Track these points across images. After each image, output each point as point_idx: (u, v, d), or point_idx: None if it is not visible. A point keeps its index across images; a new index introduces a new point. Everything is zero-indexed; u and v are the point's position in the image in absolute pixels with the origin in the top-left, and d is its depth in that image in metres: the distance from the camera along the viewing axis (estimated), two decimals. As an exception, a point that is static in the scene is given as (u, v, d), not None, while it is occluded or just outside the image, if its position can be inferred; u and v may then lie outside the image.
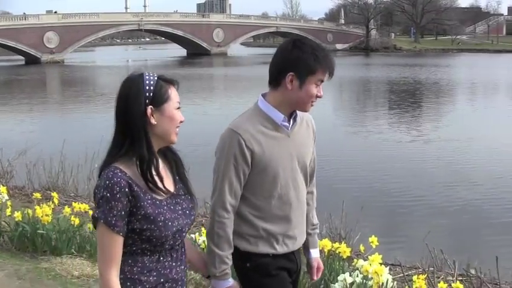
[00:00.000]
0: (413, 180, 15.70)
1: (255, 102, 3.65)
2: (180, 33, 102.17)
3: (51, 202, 8.05)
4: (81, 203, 8.07)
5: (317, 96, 3.50)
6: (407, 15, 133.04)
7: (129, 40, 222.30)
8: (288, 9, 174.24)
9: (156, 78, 2.92)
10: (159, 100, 2.89)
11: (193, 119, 26.72)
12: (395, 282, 5.59)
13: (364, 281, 5.04)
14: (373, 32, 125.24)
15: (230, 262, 3.52)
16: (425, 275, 5.87)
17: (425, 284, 5.25)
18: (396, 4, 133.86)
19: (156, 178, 2.88)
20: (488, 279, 7.47)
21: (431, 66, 70.06)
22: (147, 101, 2.86)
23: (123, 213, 2.77)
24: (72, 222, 7.54)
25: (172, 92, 2.96)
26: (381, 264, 5.17)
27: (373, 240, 5.43)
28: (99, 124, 25.08)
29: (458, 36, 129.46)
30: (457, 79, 52.97)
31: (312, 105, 3.55)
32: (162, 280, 2.92)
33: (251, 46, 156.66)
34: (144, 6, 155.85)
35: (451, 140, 21.41)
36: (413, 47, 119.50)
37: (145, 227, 2.81)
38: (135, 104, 2.85)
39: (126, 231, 2.80)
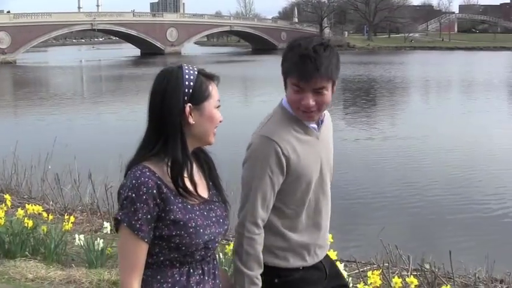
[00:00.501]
0: (369, 178, 15.77)
1: (277, 104, 3.36)
2: (133, 32, 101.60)
3: (3, 204, 7.88)
4: (35, 205, 7.83)
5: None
6: (361, 14, 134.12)
7: (83, 40, 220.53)
8: (242, 8, 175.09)
9: (196, 72, 2.66)
10: (199, 97, 2.62)
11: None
12: (350, 279, 5.63)
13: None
14: (327, 31, 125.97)
15: (260, 283, 3.17)
16: (380, 271, 5.87)
17: (379, 279, 5.24)
18: (349, 2, 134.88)
19: (189, 183, 2.58)
20: (442, 273, 7.57)
21: (385, 63, 70.69)
22: (186, 97, 2.58)
23: (149, 217, 2.47)
24: (26, 225, 7.35)
25: (213, 89, 2.70)
26: (336, 260, 5.14)
27: (328, 237, 5.39)
28: (53, 125, 24.88)
29: (410, 34, 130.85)
30: (411, 76, 53.57)
31: None
32: None
33: (205, 45, 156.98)
34: (97, 5, 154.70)
35: (406, 138, 21.57)
36: (367, 45, 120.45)
37: (174, 233, 2.50)
38: (173, 100, 2.57)
39: (153, 237, 2.50)
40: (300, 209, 3.26)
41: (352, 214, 12.45)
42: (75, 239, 7.08)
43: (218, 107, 2.70)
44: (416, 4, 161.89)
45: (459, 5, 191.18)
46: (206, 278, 2.67)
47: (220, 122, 2.72)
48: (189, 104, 2.58)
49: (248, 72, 59.64)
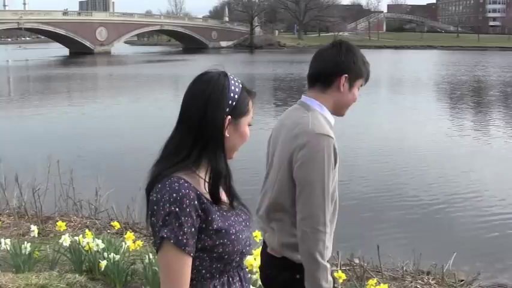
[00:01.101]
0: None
1: (298, 105, 3.53)
2: (61, 31, 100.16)
3: None
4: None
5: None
6: (291, 13, 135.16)
7: (9, 39, 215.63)
8: (172, 7, 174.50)
9: (241, 85, 2.52)
10: (240, 111, 2.49)
11: (76, 121, 26.27)
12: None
13: (249, 275, 5.01)
14: (257, 29, 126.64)
15: None
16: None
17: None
18: (280, 1, 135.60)
19: (222, 192, 2.50)
20: (371, 267, 7.72)
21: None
22: (228, 109, 2.44)
23: (193, 230, 2.34)
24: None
25: (252, 106, 2.56)
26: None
27: (257, 234, 5.40)
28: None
29: (340, 33, 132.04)
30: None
31: None
32: None
33: (135, 45, 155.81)
34: (24, 4, 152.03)
35: (338, 136, 21.72)
36: (297, 44, 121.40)
37: (217, 242, 2.40)
38: (218, 108, 2.43)
39: (195, 251, 2.39)
40: (332, 206, 3.35)
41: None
42: (0, 243, 6.92)
43: (250, 124, 2.59)
44: (345, 3, 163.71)
45: (387, 5, 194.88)
46: (244, 283, 2.60)
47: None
48: (229, 117, 2.45)
49: (179, 71, 59.29)
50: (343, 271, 7.02)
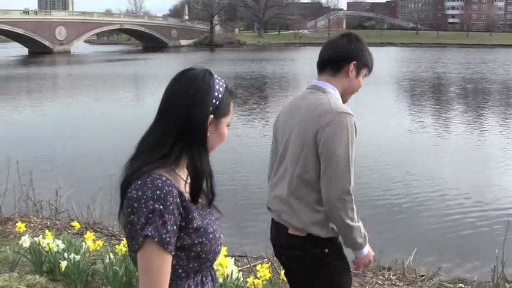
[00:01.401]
0: (261, 174, 15.82)
1: (312, 88, 3.82)
2: (20, 31, 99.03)
3: None
4: None
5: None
6: (251, 11, 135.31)
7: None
8: (132, 6, 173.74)
9: (225, 86, 2.51)
10: (222, 111, 2.47)
11: (36, 122, 26.02)
12: (241, 273, 5.64)
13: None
14: (217, 28, 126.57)
15: None
16: (270, 264, 5.95)
17: (269, 272, 5.32)
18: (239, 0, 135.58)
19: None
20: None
21: (277, 60, 71.46)
22: (211, 108, 2.42)
23: (175, 228, 2.29)
24: None
25: (232, 107, 2.56)
26: (226, 256, 5.19)
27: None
28: None
29: (300, 31, 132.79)
30: (303, 72, 54.20)
31: None
32: None
33: (95, 44, 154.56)
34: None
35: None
36: (257, 42, 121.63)
37: (196, 241, 2.37)
38: (203, 107, 2.40)
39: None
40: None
41: (243, 211, 12.51)
42: None
43: (229, 126, 2.57)
44: (305, 1, 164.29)
45: (347, 2, 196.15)
46: (215, 284, 2.59)
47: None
48: (211, 116, 2.42)
49: (139, 71, 59.09)
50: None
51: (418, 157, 17.90)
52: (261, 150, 18.69)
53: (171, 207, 2.27)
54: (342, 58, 3.73)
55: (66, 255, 6.53)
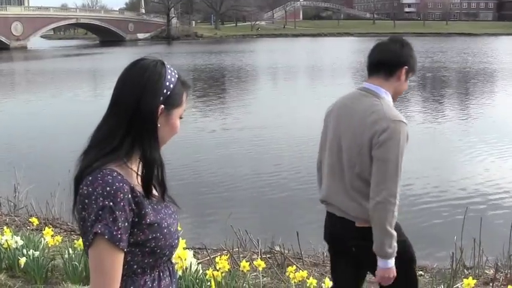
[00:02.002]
0: (220, 167, 15.81)
1: (365, 91, 3.99)
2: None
3: None
4: None
5: None
6: (207, 3, 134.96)
7: None
8: (88, 0, 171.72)
9: (177, 76, 2.44)
10: (173, 102, 2.41)
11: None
12: (200, 265, 5.66)
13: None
14: (174, 21, 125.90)
15: None
16: (228, 255, 5.96)
17: (228, 263, 5.39)
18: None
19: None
20: (292, 255, 7.84)
21: (236, 52, 71.46)
22: (162, 98, 2.36)
23: (126, 224, 2.24)
24: None
25: (185, 98, 2.50)
26: (185, 248, 5.19)
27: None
28: None
29: (257, 22, 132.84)
30: (262, 64, 54.33)
31: None
32: None
33: (52, 39, 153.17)
34: None
35: (258, 126, 21.72)
36: (214, 34, 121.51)
37: (150, 236, 2.32)
38: (154, 97, 2.34)
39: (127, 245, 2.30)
40: None
41: (203, 203, 12.51)
42: None
43: (181, 117, 2.50)
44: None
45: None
46: (173, 279, 2.55)
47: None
48: (162, 106, 2.35)
49: (97, 65, 58.59)
50: (265, 259, 7.13)
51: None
52: (222, 142, 18.77)
53: (121, 204, 2.23)
54: (395, 63, 3.95)
55: (25, 251, 6.50)
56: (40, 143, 18.92)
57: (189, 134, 19.58)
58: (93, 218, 2.21)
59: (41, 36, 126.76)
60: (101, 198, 2.21)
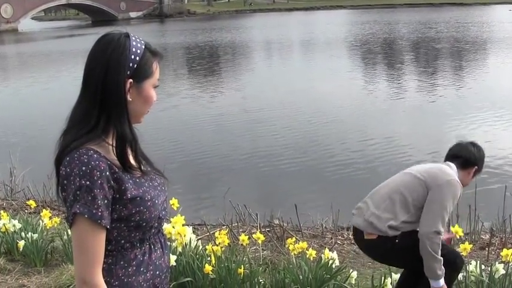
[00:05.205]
0: (216, 143, 15.76)
1: (446, 164, 4.99)
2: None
3: None
4: None
5: None
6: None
7: None
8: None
9: (143, 46, 2.39)
10: (141, 74, 2.37)
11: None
12: (199, 241, 5.69)
13: (169, 243, 5.04)
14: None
15: None
16: (228, 230, 5.96)
17: (227, 238, 5.39)
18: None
19: (131, 158, 2.40)
20: (291, 227, 7.92)
21: (231, 28, 71.03)
22: (129, 72, 2.33)
23: (106, 201, 2.25)
24: None
25: (156, 67, 2.44)
26: (183, 225, 5.20)
27: (174, 202, 5.45)
28: None
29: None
30: (257, 40, 54.10)
31: None
32: (158, 273, 2.50)
33: (43, 20, 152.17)
34: None
35: (253, 102, 21.75)
36: (207, 11, 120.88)
37: (133, 211, 2.32)
38: (118, 71, 2.30)
39: (110, 222, 2.30)
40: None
41: (201, 179, 12.53)
42: None
43: (156, 86, 2.47)
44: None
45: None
46: (165, 251, 2.57)
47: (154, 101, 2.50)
48: (130, 80, 2.33)
49: (90, 46, 58.33)
50: (264, 232, 7.14)
51: (373, 118, 18.11)
52: (221, 122, 18.71)
53: (99, 182, 2.23)
54: (470, 162, 5.00)
55: (23, 234, 6.49)
56: (35, 126, 18.86)
57: (186, 111, 19.61)
58: (72, 198, 2.24)
59: (32, 18, 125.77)
60: (78, 178, 2.22)
